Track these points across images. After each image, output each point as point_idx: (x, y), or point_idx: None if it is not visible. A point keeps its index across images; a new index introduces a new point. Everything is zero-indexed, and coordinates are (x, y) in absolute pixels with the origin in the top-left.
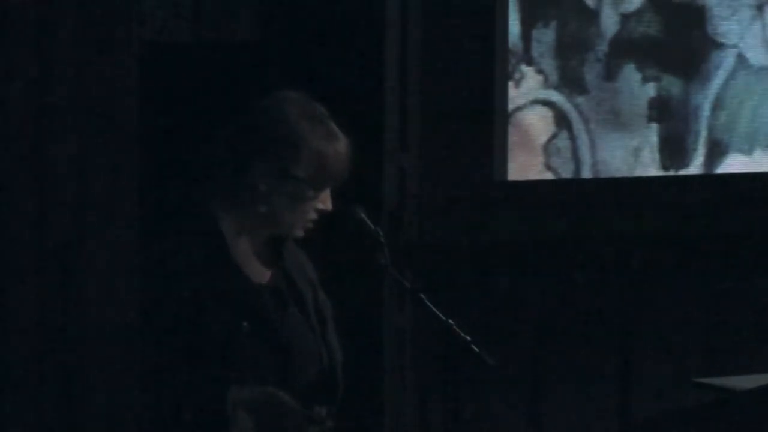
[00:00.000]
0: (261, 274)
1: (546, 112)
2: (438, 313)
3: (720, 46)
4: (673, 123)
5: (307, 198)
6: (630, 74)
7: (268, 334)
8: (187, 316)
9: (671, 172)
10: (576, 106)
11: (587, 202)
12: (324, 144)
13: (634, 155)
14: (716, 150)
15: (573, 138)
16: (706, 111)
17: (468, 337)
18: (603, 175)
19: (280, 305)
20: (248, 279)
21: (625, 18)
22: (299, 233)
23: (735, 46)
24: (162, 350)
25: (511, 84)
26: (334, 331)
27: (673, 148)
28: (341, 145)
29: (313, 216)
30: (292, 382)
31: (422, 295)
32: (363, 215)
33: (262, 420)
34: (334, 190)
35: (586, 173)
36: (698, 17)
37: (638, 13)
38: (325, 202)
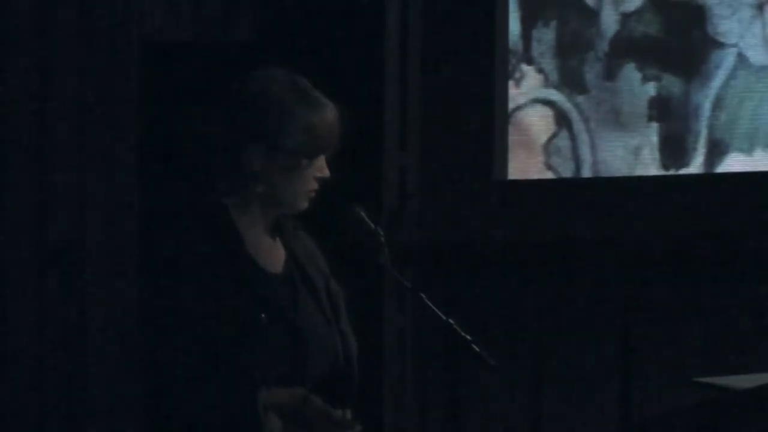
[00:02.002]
0: (273, 263)
1: (546, 112)
2: (438, 312)
3: (720, 45)
4: (673, 122)
5: (302, 167)
6: (630, 74)
7: (285, 325)
8: (203, 312)
9: (671, 172)
10: (576, 106)
11: (587, 202)
12: (310, 114)
13: (634, 155)
14: (716, 149)
15: (573, 137)
16: (706, 110)
17: (468, 337)
18: (603, 174)
19: (294, 295)
20: (263, 270)
21: (625, 17)
22: (303, 206)
23: (735, 45)
24: (177, 349)
25: (511, 83)
26: (348, 321)
27: (674, 148)
28: (328, 112)
29: (314, 185)
30: (307, 373)
31: (422, 295)
32: (363, 215)
33: (290, 423)
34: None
35: (587, 173)
36: (698, 17)
37: (638, 13)
38: (322, 170)
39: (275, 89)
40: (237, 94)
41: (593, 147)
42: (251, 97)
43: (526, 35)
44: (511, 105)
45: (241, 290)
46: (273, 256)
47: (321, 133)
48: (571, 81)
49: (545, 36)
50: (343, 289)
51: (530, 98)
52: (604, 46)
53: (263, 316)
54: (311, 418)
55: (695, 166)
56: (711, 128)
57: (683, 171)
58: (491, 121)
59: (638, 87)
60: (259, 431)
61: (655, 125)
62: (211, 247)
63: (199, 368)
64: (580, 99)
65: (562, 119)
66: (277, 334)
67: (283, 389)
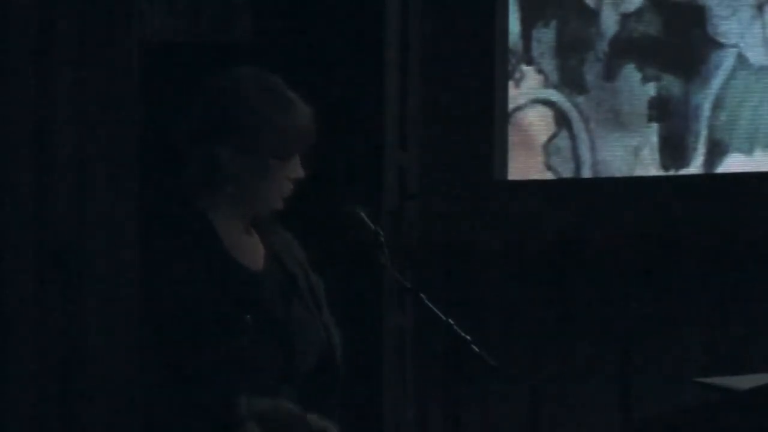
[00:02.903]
0: (254, 261)
1: (546, 112)
2: (438, 312)
3: (720, 45)
4: (673, 123)
5: (274, 169)
6: (630, 74)
7: (271, 324)
8: (187, 315)
9: (671, 172)
10: (576, 106)
11: (587, 202)
12: (281, 115)
13: (634, 155)
14: (716, 150)
15: (573, 137)
16: (706, 111)
17: (468, 337)
18: (603, 174)
19: (277, 292)
20: (246, 269)
21: (625, 18)
22: (278, 206)
23: (735, 45)
24: (165, 353)
25: (511, 84)
26: (329, 313)
27: (673, 148)
28: (300, 113)
29: (288, 186)
30: (296, 369)
31: (422, 295)
32: (363, 215)
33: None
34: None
35: (586, 173)
36: (698, 17)
37: (638, 13)
38: (295, 170)
39: (243, 89)
40: (205, 95)
41: (593, 147)
42: (223, 99)
43: (526, 35)
44: (511, 105)
45: (223, 292)
46: (252, 253)
47: (291, 134)
48: (571, 81)
49: (545, 36)
50: (332, 298)
51: (530, 98)
52: (604, 46)
53: (248, 317)
54: (289, 427)
55: (695, 166)
56: (711, 128)
57: (683, 171)
58: (491, 121)
59: (638, 87)
60: None
61: (655, 125)
62: (190, 249)
63: (183, 374)
64: (580, 99)
65: (562, 119)
66: (264, 334)
67: (268, 400)
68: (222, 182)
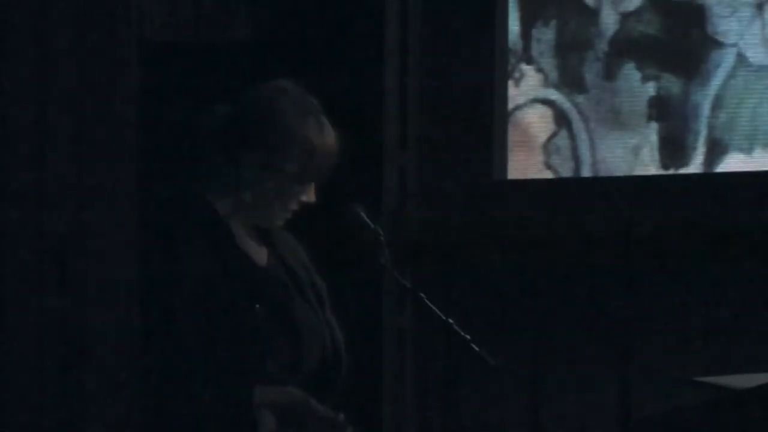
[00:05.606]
0: (259, 257)
1: (545, 111)
2: (438, 312)
3: (720, 45)
4: (672, 122)
5: (293, 192)
6: (630, 73)
7: (280, 316)
8: (198, 306)
9: (671, 171)
10: (576, 105)
11: (587, 202)
12: (314, 138)
13: (633, 154)
14: (716, 149)
15: (572, 137)
16: (705, 110)
17: (468, 337)
18: (603, 174)
19: (282, 288)
20: (255, 262)
21: (625, 17)
22: (279, 223)
23: (735, 45)
24: (174, 343)
25: (510, 83)
26: (332, 313)
27: (673, 147)
28: (330, 139)
29: (295, 207)
30: (302, 365)
31: (422, 295)
32: (363, 215)
33: (285, 421)
34: (322, 183)
35: (586, 172)
36: (698, 16)
37: (638, 13)
38: (309, 194)
39: (284, 107)
40: (245, 103)
41: (593, 146)
42: (259, 109)
43: (526, 35)
44: (511, 104)
45: (234, 283)
46: (257, 250)
47: (320, 161)
48: (570, 80)
49: (545, 35)
50: (332, 298)
51: (530, 98)
52: (603, 46)
53: (258, 307)
54: (306, 418)
55: (695, 165)
56: (711, 128)
57: (683, 170)
58: (491, 121)
59: (638, 87)
60: (254, 428)
61: (654, 125)
62: (201, 239)
63: (196, 364)
64: (580, 98)
65: (561, 119)
66: (273, 326)
67: (278, 387)
68: (242, 188)
